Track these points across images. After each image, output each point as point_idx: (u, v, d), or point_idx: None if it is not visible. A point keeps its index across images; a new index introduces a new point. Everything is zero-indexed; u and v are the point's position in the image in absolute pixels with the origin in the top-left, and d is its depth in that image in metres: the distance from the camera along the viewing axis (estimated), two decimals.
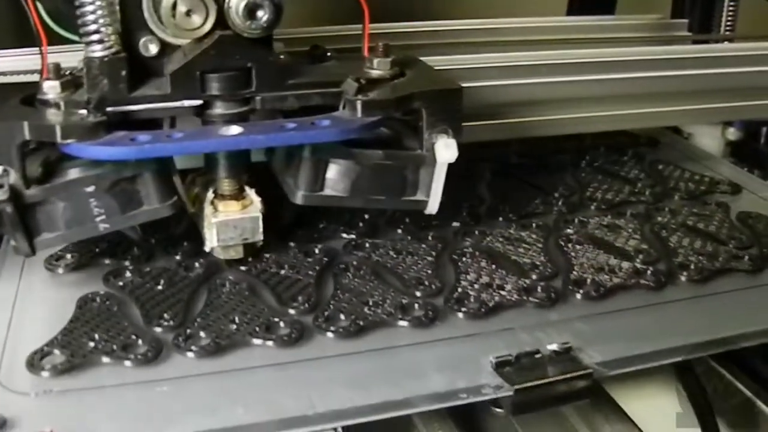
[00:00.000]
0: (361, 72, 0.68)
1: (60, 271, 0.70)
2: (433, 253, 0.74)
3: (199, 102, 0.63)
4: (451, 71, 0.80)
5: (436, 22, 1.03)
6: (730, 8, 1.14)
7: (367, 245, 0.75)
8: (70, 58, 0.68)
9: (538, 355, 0.60)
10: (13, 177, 0.61)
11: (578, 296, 0.68)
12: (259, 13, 0.62)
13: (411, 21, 1.02)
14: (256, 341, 0.61)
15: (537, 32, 1.05)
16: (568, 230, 0.79)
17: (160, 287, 0.67)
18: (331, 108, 0.65)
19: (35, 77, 0.67)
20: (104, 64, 0.61)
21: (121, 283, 0.68)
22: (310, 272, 0.70)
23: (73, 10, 0.60)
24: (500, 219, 0.81)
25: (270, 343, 0.61)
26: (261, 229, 0.68)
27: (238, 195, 0.68)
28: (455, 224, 0.80)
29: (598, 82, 0.88)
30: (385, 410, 0.55)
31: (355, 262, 0.71)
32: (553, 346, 0.60)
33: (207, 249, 0.68)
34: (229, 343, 0.60)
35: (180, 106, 0.63)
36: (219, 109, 0.64)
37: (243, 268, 0.70)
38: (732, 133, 1.05)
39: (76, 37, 0.63)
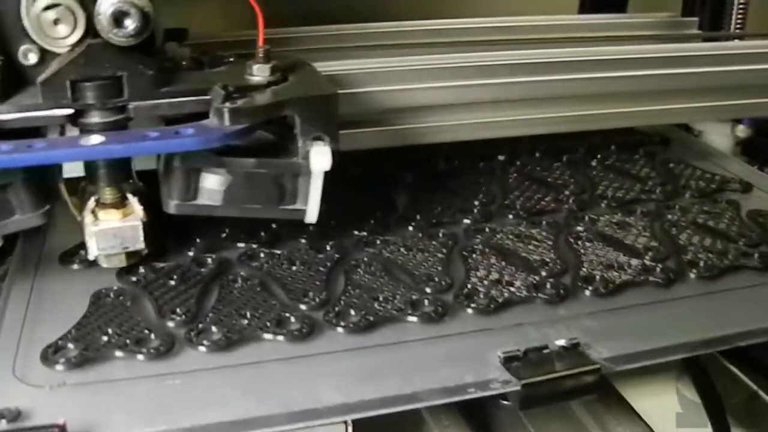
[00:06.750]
0: (240, 78, 0.67)
1: (75, 267, 0.71)
2: (444, 250, 0.74)
3: (69, 111, 0.62)
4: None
5: (447, 20, 1.04)
6: (740, 6, 1.14)
7: (378, 242, 0.75)
8: None
9: (546, 351, 0.60)
10: None
11: (587, 293, 0.69)
12: (127, 22, 0.60)
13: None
14: (267, 336, 0.61)
15: (549, 30, 1.06)
16: (578, 228, 0.80)
17: (173, 283, 0.68)
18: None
19: None
20: None
21: (134, 279, 0.68)
22: (321, 268, 0.70)
23: None
24: (510, 216, 0.82)
25: (281, 337, 0.61)
26: (142, 238, 0.66)
27: (120, 203, 0.67)
28: (466, 221, 0.81)
29: (607, 79, 0.88)
30: (393, 404, 0.56)
31: (365, 259, 0.72)
32: (561, 342, 0.61)
33: (90, 258, 0.67)
34: (240, 337, 0.61)
35: (50, 115, 0.62)
36: (95, 118, 0.62)
37: (255, 264, 0.71)
38: (742, 131, 1.06)
39: None
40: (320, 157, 0.64)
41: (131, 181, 0.68)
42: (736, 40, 1.14)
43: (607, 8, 1.23)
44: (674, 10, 1.19)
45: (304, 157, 0.65)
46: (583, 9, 1.31)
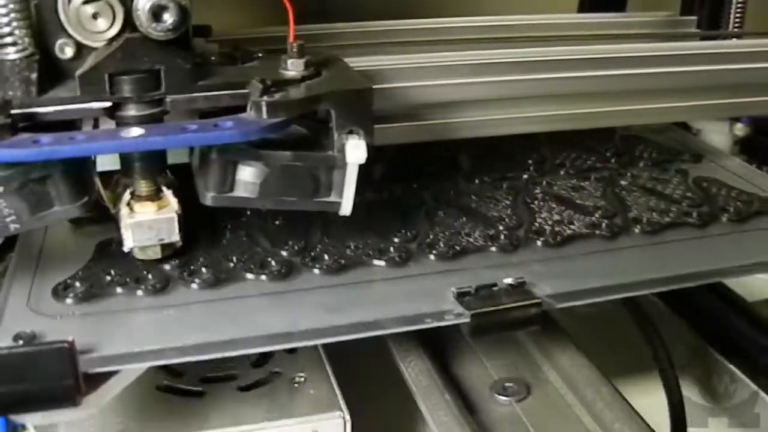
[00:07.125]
0: (275, 73, 0.68)
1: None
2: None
3: (107, 104, 0.62)
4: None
5: (444, 19, 1.06)
6: (739, 5, 1.15)
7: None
8: None
9: (495, 288, 0.68)
10: None
11: (538, 243, 0.76)
12: (165, 16, 0.61)
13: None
14: (251, 276, 0.70)
15: (547, 29, 1.07)
16: (536, 190, 0.87)
17: None
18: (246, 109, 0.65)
19: None
20: (15, 67, 0.61)
21: None
22: (302, 222, 0.78)
23: None
24: (476, 182, 0.90)
25: (263, 277, 0.70)
26: (177, 230, 0.68)
27: (155, 196, 0.68)
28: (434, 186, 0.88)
29: (605, 78, 0.89)
30: (358, 330, 0.64)
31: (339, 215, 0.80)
32: (509, 281, 0.68)
33: (125, 249, 0.69)
34: (227, 277, 0.69)
35: (88, 108, 0.62)
36: (132, 111, 0.63)
37: (242, 219, 0.79)
38: (740, 129, 1.06)
39: None
40: (356, 151, 0.65)
41: (164, 174, 0.70)
42: (735, 39, 1.15)
43: (606, 7, 1.25)
44: (673, 9, 1.20)
45: (339, 151, 0.66)
46: (582, 8, 1.34)
